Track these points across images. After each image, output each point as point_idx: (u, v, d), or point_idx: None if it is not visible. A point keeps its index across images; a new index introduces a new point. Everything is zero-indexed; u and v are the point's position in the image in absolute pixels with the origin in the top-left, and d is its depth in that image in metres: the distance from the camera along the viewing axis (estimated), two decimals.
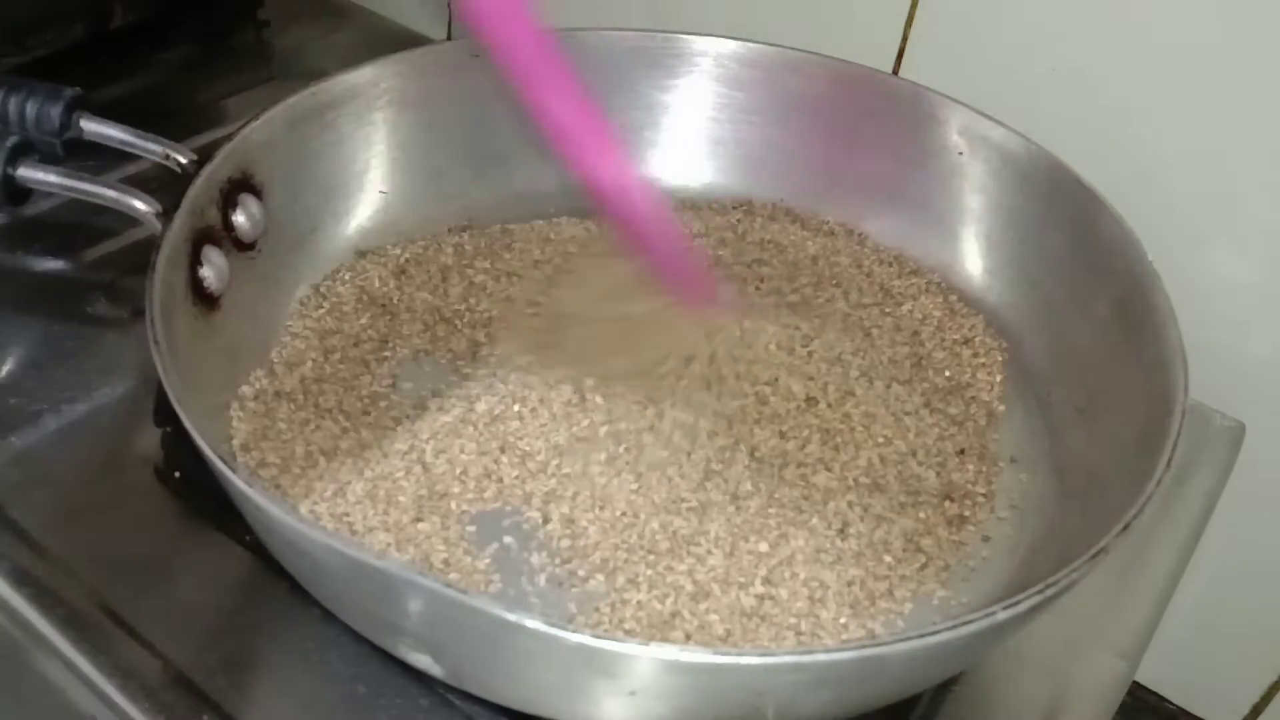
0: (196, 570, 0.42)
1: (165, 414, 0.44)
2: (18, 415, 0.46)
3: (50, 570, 0.41)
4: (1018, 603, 0.32)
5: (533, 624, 0.29)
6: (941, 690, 0.41)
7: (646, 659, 0.30)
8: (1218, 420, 0.54)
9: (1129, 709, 0.46)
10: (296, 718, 0.38)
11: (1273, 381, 0.54)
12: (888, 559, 0.41)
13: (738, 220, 0.57)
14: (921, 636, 0.31)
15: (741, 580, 0.39)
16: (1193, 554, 0.49)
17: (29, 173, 0.49)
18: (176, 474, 0.44)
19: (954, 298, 0.53)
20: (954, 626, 0.31)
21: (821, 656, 0.31)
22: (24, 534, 0.42)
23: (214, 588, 0.41)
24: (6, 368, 0.49)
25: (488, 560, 0.40)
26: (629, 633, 0.37)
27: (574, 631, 0.30)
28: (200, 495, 0.43)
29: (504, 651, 0.32)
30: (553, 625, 0.30)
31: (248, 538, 0.42)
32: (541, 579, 0.40)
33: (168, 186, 0.49)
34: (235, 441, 0.42)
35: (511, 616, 0.30)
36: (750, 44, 0.56)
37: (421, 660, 0.35)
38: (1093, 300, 0.48)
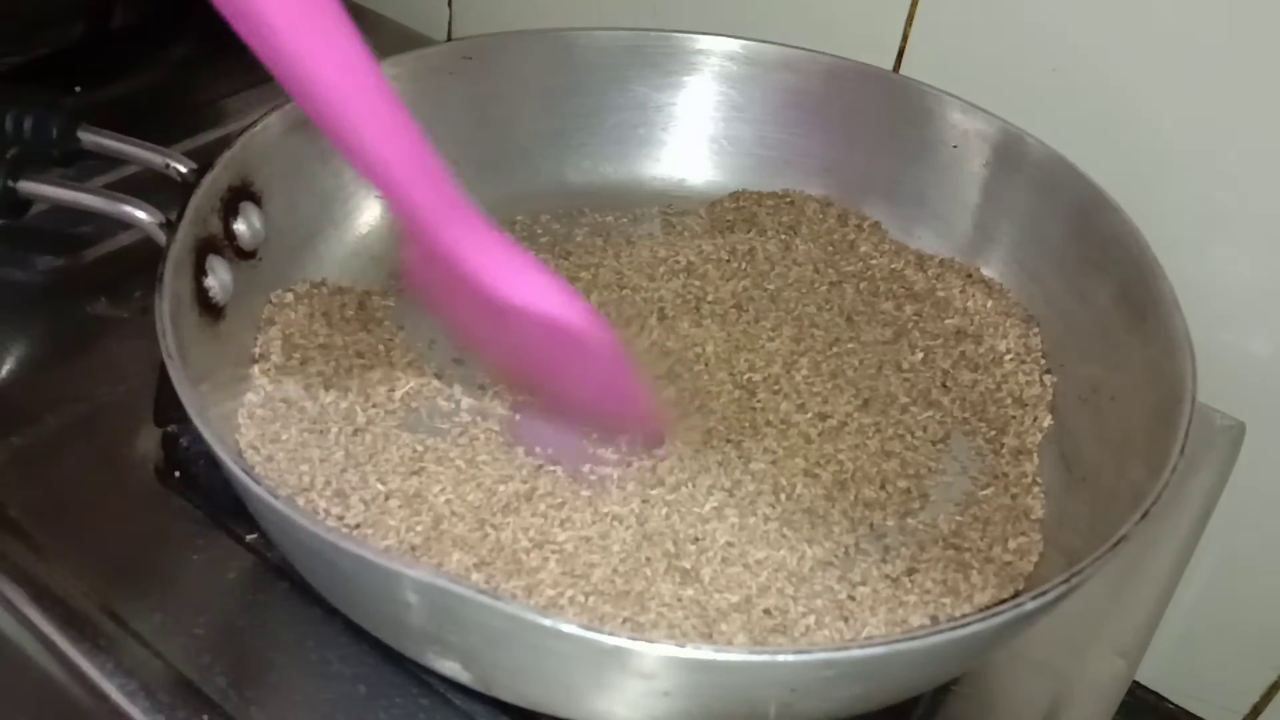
0: (196, 570, 0.42)
1: (165, 414, 0.44)
2: (18, 415, 0.46)
3: (50, 570, 0.41)
4: (1045, 592, 0.32)
5: (569, 628, 0.29)
6: (942, 690, 0.41)
7: (684, 660, 0.30)
8: (1218, 420, 0.54)
9: (1129, 709, 0.46)
10: (296, 718, 0.38)
11: (1273, 381, 0.54)
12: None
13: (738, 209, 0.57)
14: (953, 629, 0.31)
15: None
16: (1193, 554, 0.49)
17: (30, 185, 0.49)
18: (176, 474, 0.44)
19: (975, 287, 0.53)
20: (985, 618, 0.31)
21: (856, 653, 0.31)
22: (24, 534, 0.42)
23: (214, 587, 0.41)
24: (6, 368, 0.49)
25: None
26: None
27: (612, 634, 0.29)
28: (200, 495, 0.44)
29: (539, 656, 0.31)
30: (590, 629, 0.29)
31: (248, 538, 0.42)
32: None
33: (166, 189, 0.49)
34: (241, 445, 0.42)
35: (547, 621, 0.29)
36: (747, 41, 0.56)
37: (449, 667, 0.35)
38: (1094, 291, 0.48)
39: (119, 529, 0.43)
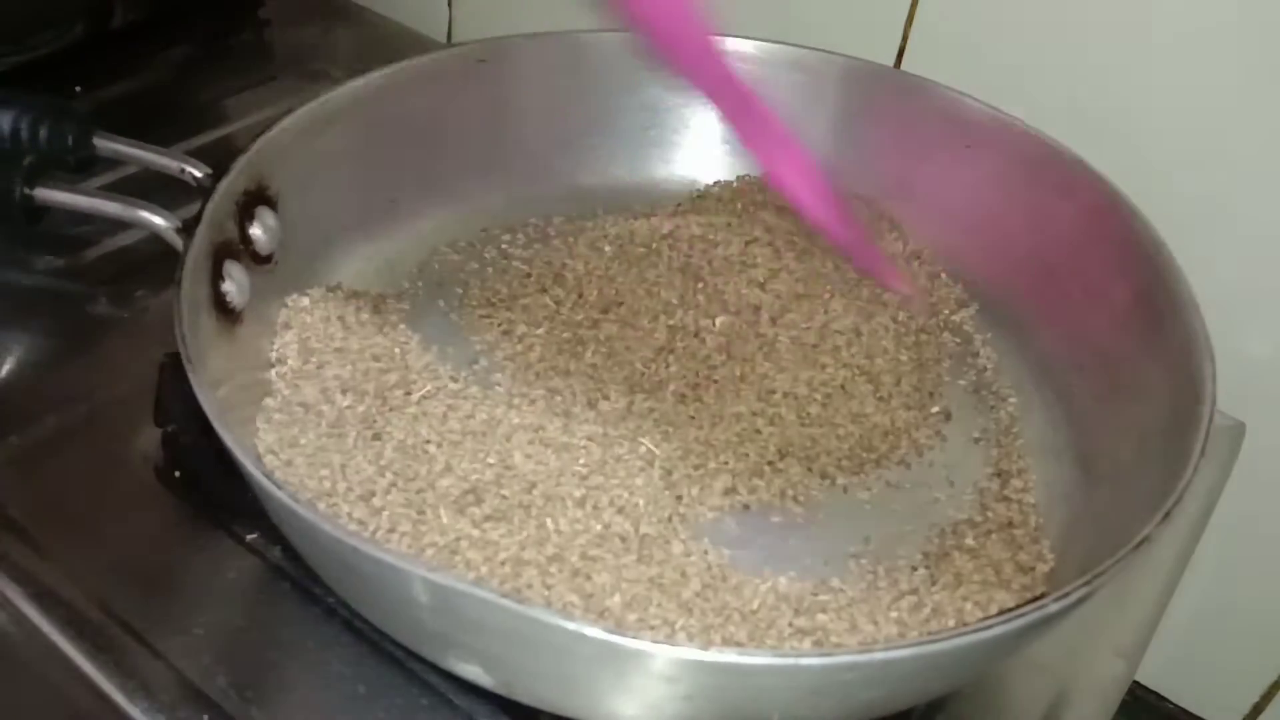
0: (196, 570, 0.42)
1: (165, 414, 0.44)
2: (18, 415, 0.46)
3: (51, 570, 0.41)
4: (1067, 594, 0.32)
5: (590, 631, 0.29)
6: None
7: (707, 664, 0.30)
8: (1218, 420, 0.53)
9: (1129, 709, 0.46)
10: (296, 718, 0.38)
11: (1273, 381, 0.54)
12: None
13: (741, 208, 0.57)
14: (976, 631, 0.31)
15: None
16: (1193, 554, 0.49)
17: (46, 192, 0.49)
18: (177, 474, 0.44)
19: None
20: (1008, 620, 0.31)
21: (879, 655, 0.31)
22: (24, 534, 0.42)
23: (214, 588, 0.41)
24: (6, 368, 0.49)
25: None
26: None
27: (634, 637, 0.29)
28: (200, 495, 0.44)
29: (560, 660, 0.31)
30: (613, 632, 0.29)
31: (248, 538, 0.42)
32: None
33: (166, 188, 0.49)
34: (260, 450, 0.41)
35: (569, 624, 0.29)
36: (760, 42, 0.56)
37: (471, 671, 0.35)
38: (1110, 290, 0.47)
39: (119, 529, 0.43)
